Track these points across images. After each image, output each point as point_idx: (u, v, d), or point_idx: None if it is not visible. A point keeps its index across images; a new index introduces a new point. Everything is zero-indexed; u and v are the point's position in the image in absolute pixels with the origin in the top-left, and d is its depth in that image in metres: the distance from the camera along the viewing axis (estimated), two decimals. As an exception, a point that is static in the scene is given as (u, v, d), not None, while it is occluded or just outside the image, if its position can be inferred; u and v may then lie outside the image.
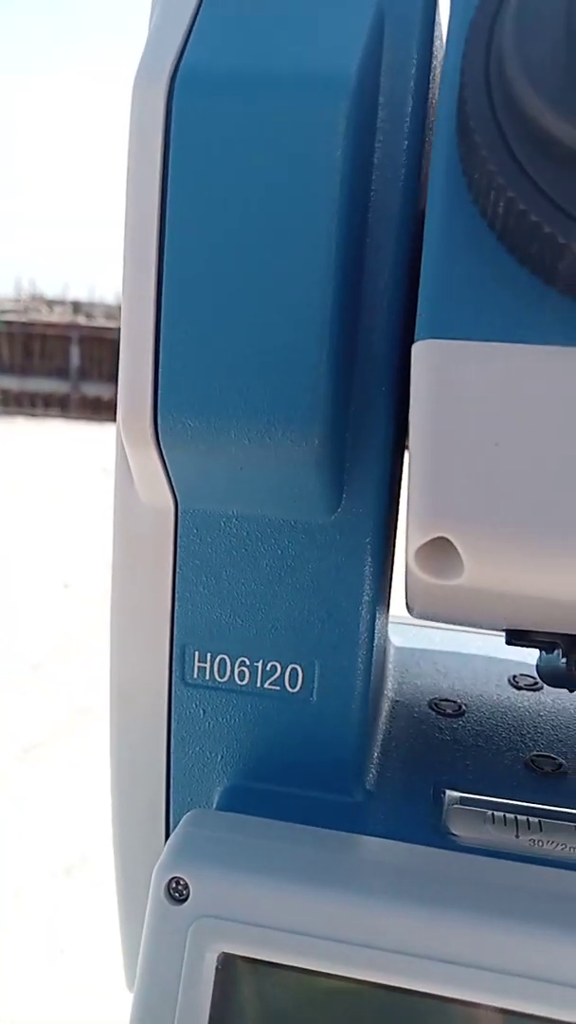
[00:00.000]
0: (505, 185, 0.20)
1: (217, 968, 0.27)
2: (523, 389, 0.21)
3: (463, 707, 0.43)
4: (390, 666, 0.48)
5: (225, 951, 0.27)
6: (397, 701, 0.43)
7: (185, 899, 0.28)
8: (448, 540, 0.22)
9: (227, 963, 0.27)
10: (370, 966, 0.27)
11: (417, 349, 0.22)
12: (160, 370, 0.27)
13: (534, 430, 0.21)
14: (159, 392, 0.27)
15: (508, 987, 0.26)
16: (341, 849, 0.30)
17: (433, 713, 0.42)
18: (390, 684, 0.45)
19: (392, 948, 0.27)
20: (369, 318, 0.29)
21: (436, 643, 0.51)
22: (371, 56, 0.26)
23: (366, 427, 0.30)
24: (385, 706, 0.42)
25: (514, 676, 0.47)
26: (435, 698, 0.43)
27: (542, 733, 0.40)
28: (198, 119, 0.25)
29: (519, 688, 0.46)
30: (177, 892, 0.28)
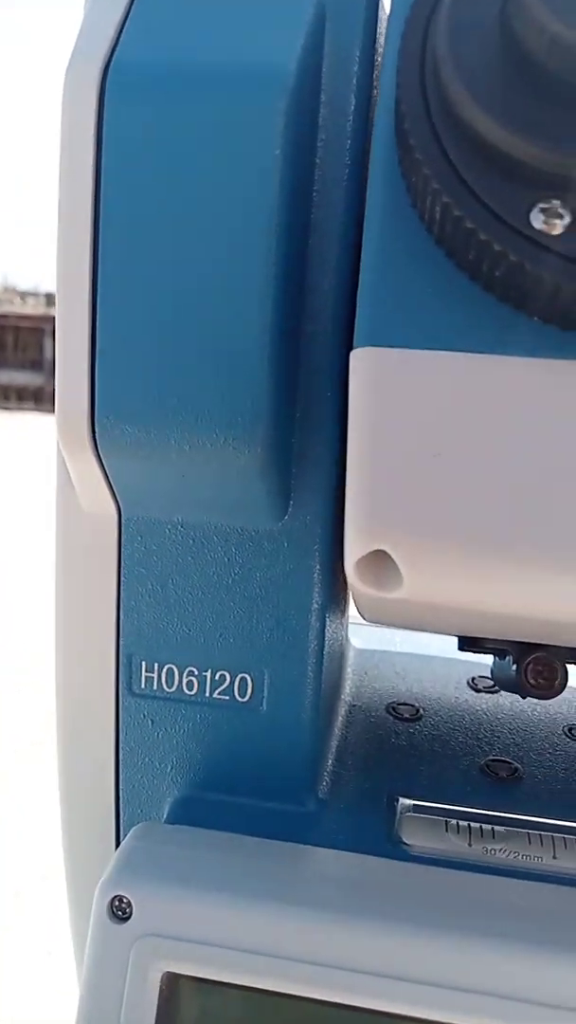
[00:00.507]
0: (440, 190, 0.19)
1: (160, 988, 0.27)
2: (463, 399, 0.21)
3: (421, 711, 0.42)
4: (349, 669, 0.47)
5: (168, 970, 0.27)
6: (354, 705, 0.43)
7: (128, 917, 0.27)
8: (387, 553, 0.21)
9: (170, 982, 0.27)
10: (315, 983, 0.26)
11: (355, 357, 0.22)
12: (96, 375, 0.26)
13: (475, 441, 0.21)
14: (96, 398, 0.26)
15: (455, 1002, 0.26)
16: (288, 862, 0.29)
17: (390, 717, 0.42)
18: (348, 688, 0.44)
19: (338, 964, 0.26)
20: (313, 322, 0.28)
21: (396, 644, 0.51)
22: (311, 51, 0.26)
23: (312, 432, 0.29)
24: (342, 711, 0.42)
25: (473, 678, 0.47)
26: (393, 702, 0.43)
27: (499, 737, 0.40)
28: (131, 115, 0.24)
29: (478, 691, 0.46)
30: (120, 910, 0.27)
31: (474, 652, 0.32)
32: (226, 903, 0.27)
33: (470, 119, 0.19)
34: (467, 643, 0.32)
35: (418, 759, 0.37)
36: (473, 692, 0.45)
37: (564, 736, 0.40)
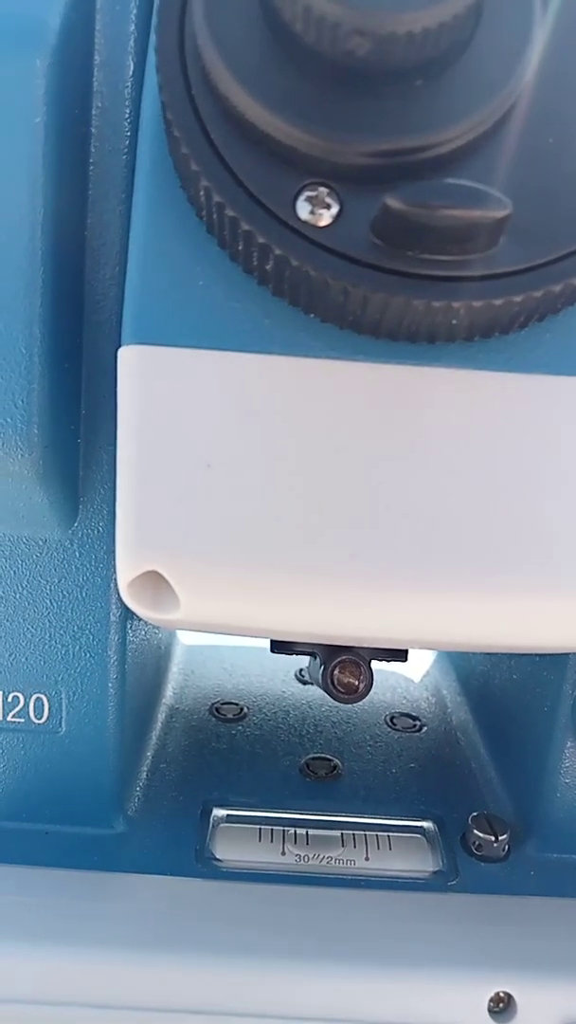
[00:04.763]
0: (199, 172, 0.17)
1: None
2: (238, 404, 0.19)
3: (245, 710, 0.41)
4: (174, 669, 0.45)
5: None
6: (176, 709, 0.41)
7: None
8: (160, 574, 0.19)
9: None
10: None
11: (121, 356, 0.20)
12: None
13: (249, 451, 0.19)
14: None
15: (259, 1029, 0.25)
16: (84, 896, 0.27)
17: (213, 719, 0.40)
18: (170, 690, 0.43)
19: (126, 1005, 0.25)
20: (97, 312, 0.25)
21: (228, 638, 0.49)
22: (79, 7, 0.23)
23: (100, 432, 0.26)
24: (161, 717, 0.40)
25: (301, 670, 0.46)
26: (217, 702, 0.42)
27: (321, 732, 0.39)
28: None
29: (305, 683, 0.45)
30: None
31: (285, 654, 0.31)
32: (10, 953, 0.25)
33: (228, 94, 0.17)
34: (277, 646, 0.30)
35: (238, 764, 0.36)
36: (301, 685, 0.45)
37: (386, 726, 0.41)
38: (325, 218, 0.17)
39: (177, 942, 0.26)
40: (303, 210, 0.17)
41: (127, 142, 0.25)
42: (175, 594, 0.20)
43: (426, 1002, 0.25)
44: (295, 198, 0.17)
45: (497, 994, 0.25)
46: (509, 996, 0.25)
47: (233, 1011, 0.25)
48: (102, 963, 0.25)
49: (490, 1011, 0.25)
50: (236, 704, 0.41)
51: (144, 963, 0.25)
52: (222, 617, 0.20)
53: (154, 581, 0.20)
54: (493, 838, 0.32)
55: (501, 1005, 0.26)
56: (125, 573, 0.20)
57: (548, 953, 0.26)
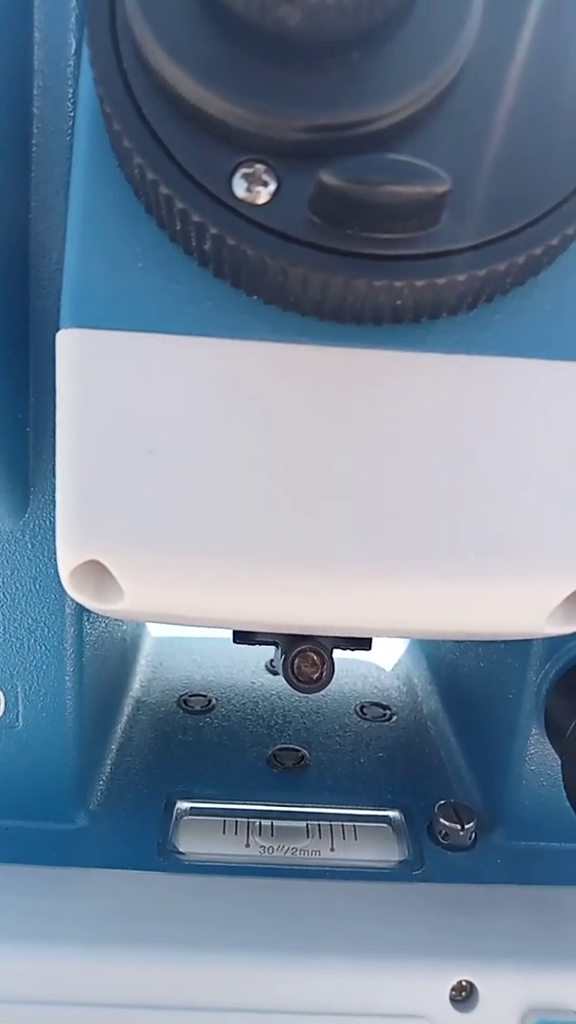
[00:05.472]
0: (132, 149, 0.17)
1: None
2: (179, 388, 0.19)
3: (213, 702, 0.41)
4: (143, 661, 0.45)
5: None
6: (143, 701, 0.40)
7: None
8: (102, 564, 0.19)
9: None
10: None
11: (60, 339, 0.19)
12: None
13: (193, 436, 0.19)
14: None
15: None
16: (42, 893, 0.27)
17: (180, 712, 0.40)
18: (137, 683, 0.42)
19: (92, 1002, 0.24)
20: (43, 298, 0.25)
21: (199, 629, 0.49)
22: (16, -19, 0.22)
23: (50, 420, 0.26)
24: (127, 710, 0.39)
25: (271, 660, 0.46)
26: (185, 694, 0.41)
27: (290, 723, 0.39)
28: None
29: (275, 674, 0.45)
30: None
31: (247, 644, 0.30)
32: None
33: (159, 68, 0.16)
34: (239, 636, 0.30)
35: (204, 756, 0.36)
36: (270, 675, 0.44)
37: (355, 716, 0.40)
38: (263, 196, 0.17)
39: (136, 937, 0.25)
40: (239, 187, 0.17)
41: (71, 123, 0.24)
42: (118, 584, 0.19)
43: (388, 992, 0.25)
44: (231, 175, 0.17)
45: (459, 983, 0.25)
46: (471, 985, 0.25)
47: (195, 1005, 0.25)
48: (61, 960, 0.25)
49: (452, 1000, 0.25)
50: (204, 696, 0.41)
51: (103, 959, 0.25)
52: (168, 607, 0.20)
53: (97, 571, 0.19)
54: (459, 827, 0.31)
55: (463, 994, 0.25)
56: (66, 563, 0.19)
57: (510, 941, 0.26)
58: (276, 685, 0.43)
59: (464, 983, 0.25)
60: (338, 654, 0.29)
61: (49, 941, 0.25)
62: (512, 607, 0.20)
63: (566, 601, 0.20)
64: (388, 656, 0.48)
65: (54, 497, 0.27)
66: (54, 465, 0.26)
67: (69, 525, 0.19)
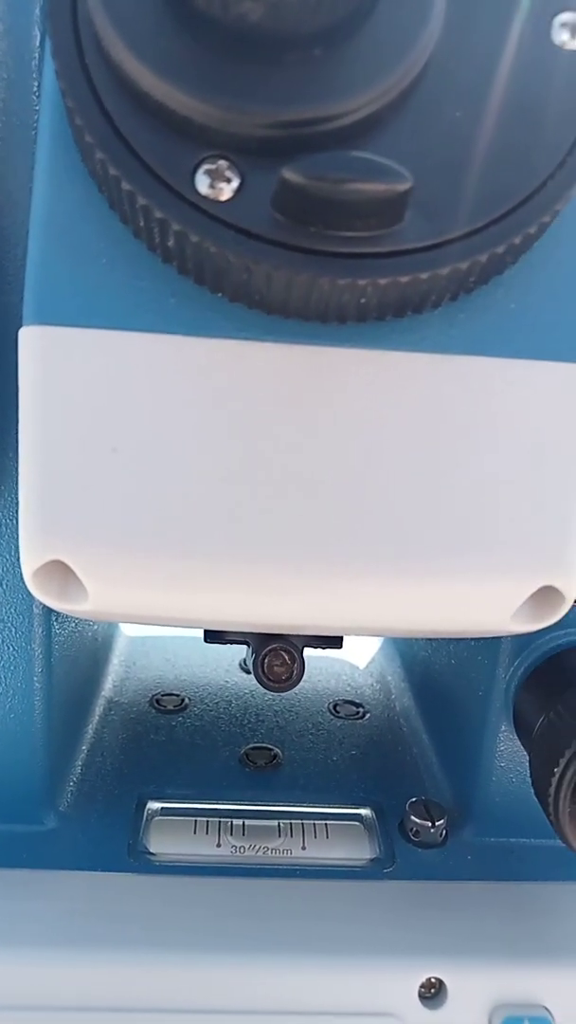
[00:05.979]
0: (93, 144, 0.17)
1: None
2: (143, 386, 0.18)
3: (186, 701, 0.40)
4: (115, 661, 0.45)
5: None
6: (115, 701, 0.40)
7: None
8: (66, 564, 0.19)
9: None
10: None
11: (22, 336, 0.19)
12: None
13: (157, 434, 0.18)
14: None
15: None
16: (10, 895, 0.26)
17: (153, 711, 0.39)
18: (109, 683, 0.42)
19: (62, 1006, 0.24)
20: (5, 294, 0.24)
21: (172, 628, 0.49)
22: (-21, -28, 0.22)
23: (12, 418, 0.25)
24: (98, 710, 0.39)
25: (244, 659, 0.46)
26: (158, 693, 0.41)
27: (263, 721, 0.39)
28: None
29: (248, 672, 0.44)
30: None
31: (218, 643, 0.30)
32: None
33: (120, 62, 0.16)
34: (210, 635, 0.30)
35: (176, 755, 0.36)
36: (244, 674, 0.44)
37: (328, 714, 0.40)
38: (226, 192, 0.17)
39: (106, 939, 0.25)
40: (202, 184, 0.17)
41: (36, 116, 0.24)
42: (82, 584, 0.19)
43: (357, 989, 0.25)
44: (194, 171, 0.17)
45: (428, 980, 0.25)
46: (440, 982, 0.25)
47: (166, 1007, 0.25)
48: (30, 963, 0.25)
49: (421, 997, 0.25)
50: (177, 695, 0.41)
51: (72, 962, 0.25)
52: (133, 607, 0.20)
53: (60, 571, 0.19)
54: (430, 824, 0.31)
55: (432, 991, 0.25)
56: (29, 563, 0.19)
57: (479, 938, 0.26)
58: (249, 684, 0.43)
59: (433, 980, 0.25)
60: (313, 652, 0.29)
61: (18, 944, 0.25)
62: (477, 605, 0.20)
63: (531, 599, 0.20)
64: (362, 654, 0.48)
65: (18, 496, 0.27)
66: (18, 464, 0.26)
67: (32, 525, 0.19)
